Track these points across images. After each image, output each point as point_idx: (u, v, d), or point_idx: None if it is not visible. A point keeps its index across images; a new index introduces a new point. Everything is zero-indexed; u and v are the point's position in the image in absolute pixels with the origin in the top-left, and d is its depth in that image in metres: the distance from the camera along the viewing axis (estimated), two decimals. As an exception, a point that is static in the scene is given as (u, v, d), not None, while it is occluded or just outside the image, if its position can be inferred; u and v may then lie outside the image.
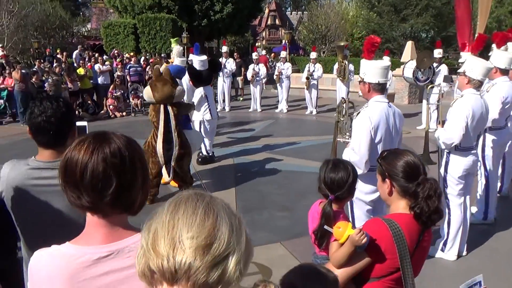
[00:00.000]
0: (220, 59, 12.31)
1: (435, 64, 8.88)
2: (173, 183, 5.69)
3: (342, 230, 1.79)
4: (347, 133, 5.23)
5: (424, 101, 9.26)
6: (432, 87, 7.86)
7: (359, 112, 3.37)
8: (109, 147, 1.11)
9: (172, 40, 6.63)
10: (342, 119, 5.60)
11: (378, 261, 1.78)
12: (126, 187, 1.12)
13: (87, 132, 2.28)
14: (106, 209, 1.12)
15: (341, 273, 1.77)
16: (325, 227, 1.95)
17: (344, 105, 5.63)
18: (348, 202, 3.24)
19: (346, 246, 1.78)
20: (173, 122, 5.17)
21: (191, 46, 13.07)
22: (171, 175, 5.22)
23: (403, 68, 9.01)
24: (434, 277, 3.61)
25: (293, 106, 13.45)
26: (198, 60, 6.79)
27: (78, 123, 2.02)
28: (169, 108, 5.17)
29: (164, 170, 5.23)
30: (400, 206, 1.88)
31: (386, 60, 8.35)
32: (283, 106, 12.81)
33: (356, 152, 3.24)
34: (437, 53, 9.98)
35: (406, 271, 1.76)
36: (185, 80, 6.55)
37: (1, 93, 11.88)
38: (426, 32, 32.84)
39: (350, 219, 3.24)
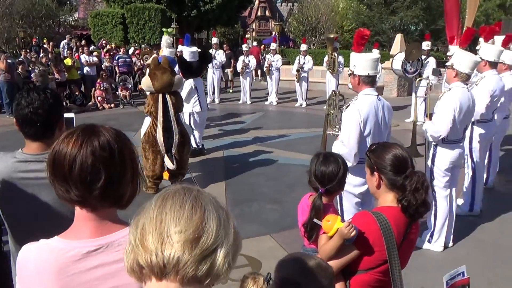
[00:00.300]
0: (210, 51, 12.22)
1: (423, 57, 8.94)
2: (164, 175, 5.66)
3: (331, 223, 1.81)
4: (337, 126, 5.25)
5: (413, 94, 9.32)
6: (421, 80, 7.90)
7: (348, 105, 3.39)
8: (98, 140, 1.10)
9: (164, 29, 6.51)
10: (332, 112, 5.61)
11: (366, 254, 1.81)
12: (115, 180, 1.11)
13: (74, 124, 2.26)
14: (95, 203, 1.11)
15: (330, 265, 1.79)
16: (315, 220, 1.96)
17: (335, 97, 5.64)
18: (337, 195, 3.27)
19: (335, 239, 1.80)
20: (171, 111, 5.19)
21: (180, 37, 12.96)
22: (175, 163, 5.25)
23: (392, 60, 9.05)
24: (420, 268, 3.66)
25: (283, 98, 13.43)
26: (188, 52, 6.74)
27: (65, 115, 1.99)
28: (168, 97, 5.18)
29: (167, 159, 5.26)
30: (388, 199, 1.90)
31: (375, 53, 8.40)
32: (273, 99, 12.80)
33: (345, 145, 3.26)
34: (426, 45, 10.05)
35: (393, 263, 1.79)
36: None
37: (-14, 84, 11.63)
38: (415, 25, 32.96)
39: (339, 211, 3.27)
